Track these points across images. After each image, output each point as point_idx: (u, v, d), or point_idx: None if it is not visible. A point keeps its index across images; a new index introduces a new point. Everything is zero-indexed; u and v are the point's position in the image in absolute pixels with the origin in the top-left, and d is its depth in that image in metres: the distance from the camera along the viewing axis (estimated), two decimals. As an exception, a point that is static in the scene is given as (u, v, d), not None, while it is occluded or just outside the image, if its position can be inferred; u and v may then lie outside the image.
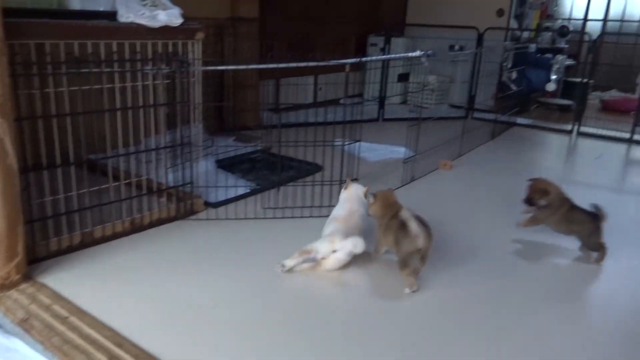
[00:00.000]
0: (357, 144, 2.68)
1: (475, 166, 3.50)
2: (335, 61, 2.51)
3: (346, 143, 2.52)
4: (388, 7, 5.87)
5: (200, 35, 2.61)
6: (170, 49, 2.47)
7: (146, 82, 2.37)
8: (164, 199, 2.58)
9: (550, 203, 2.28)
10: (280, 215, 2.57)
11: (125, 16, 2.29)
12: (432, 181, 3.25)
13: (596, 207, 2.24)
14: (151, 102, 2.43)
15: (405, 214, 1.94)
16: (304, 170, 3.19)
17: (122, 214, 2.30)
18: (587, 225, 2.24)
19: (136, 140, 2.44)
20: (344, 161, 2.73)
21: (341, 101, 5.26)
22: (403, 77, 5.37)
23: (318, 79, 5.06)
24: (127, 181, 2.39)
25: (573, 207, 2.28)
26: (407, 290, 1.90)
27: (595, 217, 2.23)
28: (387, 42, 4.70)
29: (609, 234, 2.23)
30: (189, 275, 1.97)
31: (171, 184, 2.56)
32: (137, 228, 2.31)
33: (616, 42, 7.94)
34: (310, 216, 2.56)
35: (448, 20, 5.42)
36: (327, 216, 2.26)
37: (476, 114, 5.12)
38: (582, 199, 2.92)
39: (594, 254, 2.25)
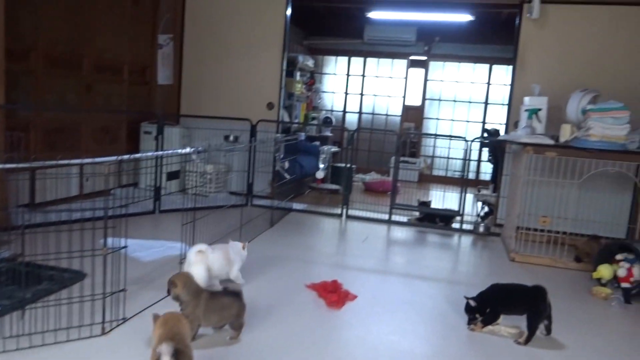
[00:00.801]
0: (126, 242, 2.40)
1: (255, 256, 3.46)
2: (91, 160, 2.25)
3: (109, 251, 2.23)
4: (161, 96, 5.76)
5: None
6: None
7: None
8: None
9: (184, 299, 2.23)
10: (26, 344, 2.10)
11: None
12: (212, 279, 3.08)
13: (233, 290, 2.33)
14: None
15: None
16: (61, 280, 2.74)
17: None
18: (235, 306, 2.28)
19: None
20: (106, 268, 2.41)
21: (112, 192, 4.84)
22: (173, 175, 5.21)
23: (84, 168, 4.59)
24: None
25: (213, 294, 2.30)
26: None
27: (238, 296, 2.31)
28: (161, 131, 4.54)
29: (378, 314, 2.34)
30: None
31: None
32: None
33: (371, 132, 9.13)
34: (68, 340, 2.15)
35: (222, 112, 5.53)
36: (91, 337, 1.91)
37: (255, 201, 5.20)
38: (354, 283, 3.11)
39: (232, 332, 2.31)
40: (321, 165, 5.70)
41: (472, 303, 2.63)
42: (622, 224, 4.73)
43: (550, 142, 3.97)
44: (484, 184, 7.50)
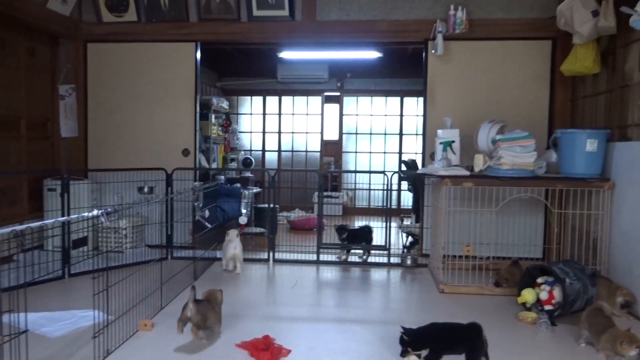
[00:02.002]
0: (26, 324, 2.12)
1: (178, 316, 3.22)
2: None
3: (5, 339, 1.95)
4: (66, 150, 5.40)
5: None
6: None
7: None
8: None
9: None
10: None
11: None
12: (131, 352, 2.82)
13: None
14: None
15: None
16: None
17: None
18: None
19: None
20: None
21: (14, 257, 4.39)
22: (80, 243, 4.85)
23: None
24: None
25: None
26: None
27: None
28: (66, 187, 4.20)
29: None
30: None
31: None
32: None
33: (291, 172, 9.10)
34: None
35: (135, 163, 5.24)
36: None
37: (176, 253, 4.93)
38: (287, 335, 2.92)
39: None
40: (244, 210, 5.53)
41: (405, 338, 2.59)
42: (538, 245, 4.94)
43: (466, 173, 4.09)
44: (407, 212, 7.66)
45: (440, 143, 4.42)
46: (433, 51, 5.00)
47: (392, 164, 8.91)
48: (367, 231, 5.09)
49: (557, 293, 3.37)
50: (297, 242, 5.63)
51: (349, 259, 5.01)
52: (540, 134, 4.79)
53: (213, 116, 7.41)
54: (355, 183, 9.05)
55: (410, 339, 2.59)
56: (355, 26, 5.21)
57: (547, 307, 3.38)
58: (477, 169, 4.20)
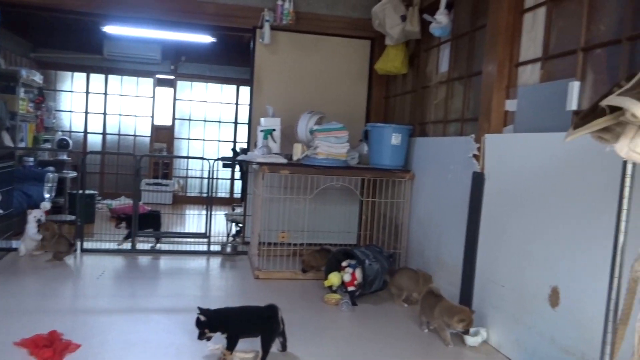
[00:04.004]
0: None
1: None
2: None
3: None
4: None
5: None
6: None
7: None
8: None
9: None
10: None
11: None
12: None
13: None
14: None
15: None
16: None
17: None
18: None
19: None
20: None
21: None
22: None
23: None
24: None
25: None
26: None
27: None
28: None
29: None
30: None
31: None
32: None
33: (102, 154, 8.50)
34: None
35: None
36: None
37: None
38: (80, 330, 2.67)
39: None
40: (47, 195, 5.00)
41: (202, 318, 2.54)
42: (353, 232, 5.25)
43: (284, 161, 4.17)
44: (239, 202, 7.64)
45: (262, 131, 4.45)
46: (260, 40, 5.01)
47: (227, 153, 8.82)
48: (154, 216, 4.99)
49: (358, 274, 3.60)
50: (116, 231, 5.26)
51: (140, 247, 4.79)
52: (358, 127, 5.07)
53: (22, 90, 6.57)
54: (187, 170, 8.78)
55: (207, 320, 2.54)
56: (183, 5, 5.00)
57: (350, 288, 3.60)
58: (295, 158, 4.31)
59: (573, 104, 2.56)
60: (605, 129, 1.42)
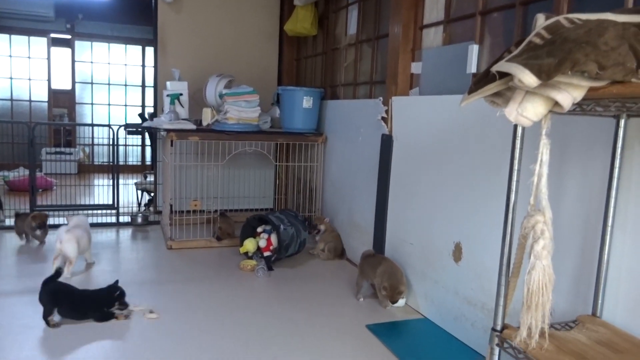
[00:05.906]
0: None
1: None
2: None
3: None
4: None
5: None
6: None
7: None
8: None
9: None
10: None
11: None
12: None
13: None
14: None
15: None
16: None
17: None
18: None
19: None
20: None
21: None
22: None
23: None
24: None
25: None
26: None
27: None
28: None
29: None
30: None
31: None
32: None
33: (9, 122, 7.82)
34: None
35: None
36: None
37: None
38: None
39: None
40: None
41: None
42: (269, 196, 5.23)
43: (192, 127, 4.02)
44: (150, 169, 7.33)
45: (168, 95, 4.25)
46: (163, -3, 4.72)
47: (135, 118, 8.38)
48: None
49: (274, 239, 3.60)
50: (12, 206, 4.89)
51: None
52: (270, 90, 4.99)
53: None
54: (92, 138, 8.27)
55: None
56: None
57: (266, 254, 3.60)
58: (205, 123, 4.17)
59: (472, 67, 2.65)
60: (497, 94, 1.47)
